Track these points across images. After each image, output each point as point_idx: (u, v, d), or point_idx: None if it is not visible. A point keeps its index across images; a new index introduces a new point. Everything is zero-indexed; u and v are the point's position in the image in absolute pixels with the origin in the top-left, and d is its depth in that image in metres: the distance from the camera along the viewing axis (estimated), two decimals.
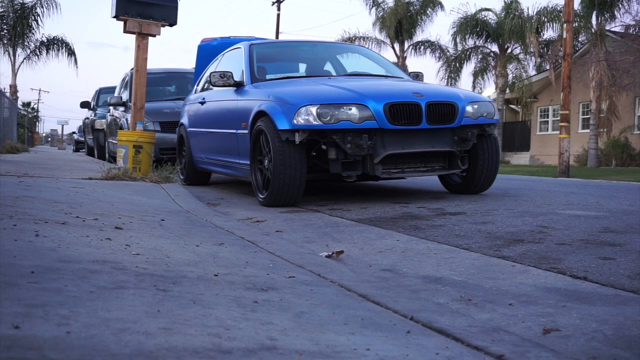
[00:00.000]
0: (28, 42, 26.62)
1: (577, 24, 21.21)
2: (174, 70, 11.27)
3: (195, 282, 1.72)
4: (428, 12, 27.82)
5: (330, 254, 2.69)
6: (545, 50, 24.99)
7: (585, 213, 3.80)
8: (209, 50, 7.34)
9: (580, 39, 23.37)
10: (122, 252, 2.05)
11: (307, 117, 4.27)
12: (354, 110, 4.30)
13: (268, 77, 5.62)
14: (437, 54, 27.89)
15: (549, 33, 24.68)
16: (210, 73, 5.56)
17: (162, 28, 7.27)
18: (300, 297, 1.70)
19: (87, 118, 16.81)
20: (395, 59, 27.96)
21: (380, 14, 27.78)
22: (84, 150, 21.68)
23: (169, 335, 1.17)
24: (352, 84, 4.93)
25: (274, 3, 31.35)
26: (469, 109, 4.64)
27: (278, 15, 31.00)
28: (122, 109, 10.50)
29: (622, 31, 21.13)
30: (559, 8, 23.20)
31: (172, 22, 7.32)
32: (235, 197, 5.69)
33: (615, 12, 21.08)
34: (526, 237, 2.99)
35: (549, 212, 3.86)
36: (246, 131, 5.01)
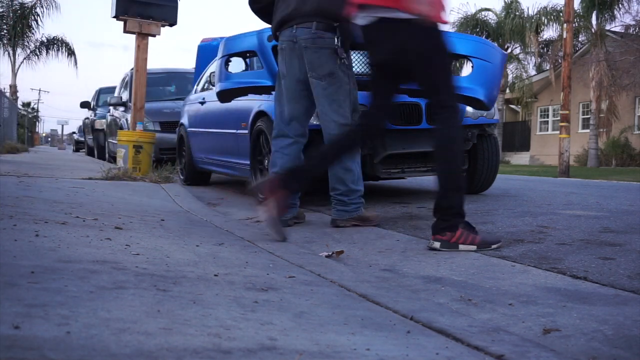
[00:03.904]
0: (28, 42, 26.63)
1: (577, 24, 21.21)
2: (174, 70, 11.26)
3: (195, 282, 1.72)
4: None
5: (330, 254, 2.69)
6: (545, 50, 24.98)
7: (585, 213, 3.80)
8: (209, 50, 7.33)
9: (580, 39, 23.38)
10: (122, 252, 2.05)
11: None
12: None
13: None
14: None
15: (549, 33, 24.72)
16: (210, 73, 5.55)
17: (162, 28, 7.27)
18: (300, 297, 1.70)
19: (87, 118, 16.81)
20: None
21: None
22: (84, 150, 21.67)
23: (169, 335, 1.17)
24: None
25: None
26: (469, 108, 4.64)
27: None
28: (122, 109, 10.50)
29: (622, 31, 21.14)
30: (559, 8, 23.20)
31: (172, 22, 7.32)
32: (235, 197, 5.69)
33: (615, 12, 21.08)
34: (526, 237, 2.98)
35: (549, 212, 3.86)
36: (246, 131, 5.01)
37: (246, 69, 4.40)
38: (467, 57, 3.73)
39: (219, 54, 4.31)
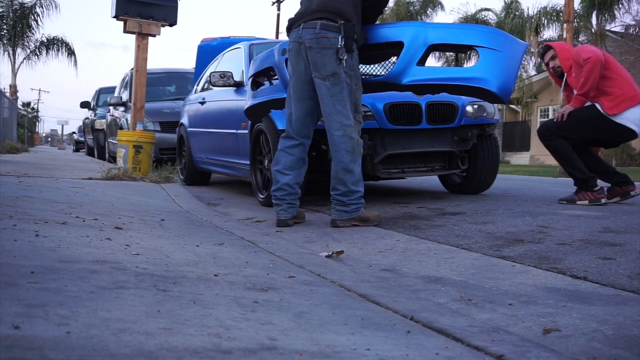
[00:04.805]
0: (28, 42, 26.61)
1: (577, 24, 21.21)
2: (174, 70, 11.26)
3: (195, 282, 1.72)
4: (428, 12, 27.84)
5: (330, 254, 2.69)
6: None
7: (585, 213, 3.80)
8: (209, 50, 7.34)
9: (580, 39, 23.36)
10: (122, 252, 2.05)
11: None
12: None
13: None
14: (437, 54, 27.89)
15: (549, 33, 24.69)
16: (210, 73, 5.55)
17: (162, 28, 7.27)
18: (300, 297, 1.70)
19: (87, 118, 16.81)
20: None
21: None
22: (84, 150, 21.67)
23: (169, 335, 1.17)
24: None
25: (274, 3, 31.35)
26: (469, 108, 4.64)
27: (278, 15, 30.99)
28: (122, 109, 10.50)
29: (622, 31, 21.14)
30: (558, 8, 23.21)
31: (172, 22, 7.32)
32: (235, 197, 5.69)
33: (615, 12, 21.08)
34: (526, 237, 2.98)
35: (549, 212, 3.86)
36: (246, 131, 5.01)
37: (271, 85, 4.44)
38: (474, 47, 3.56)
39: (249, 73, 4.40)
